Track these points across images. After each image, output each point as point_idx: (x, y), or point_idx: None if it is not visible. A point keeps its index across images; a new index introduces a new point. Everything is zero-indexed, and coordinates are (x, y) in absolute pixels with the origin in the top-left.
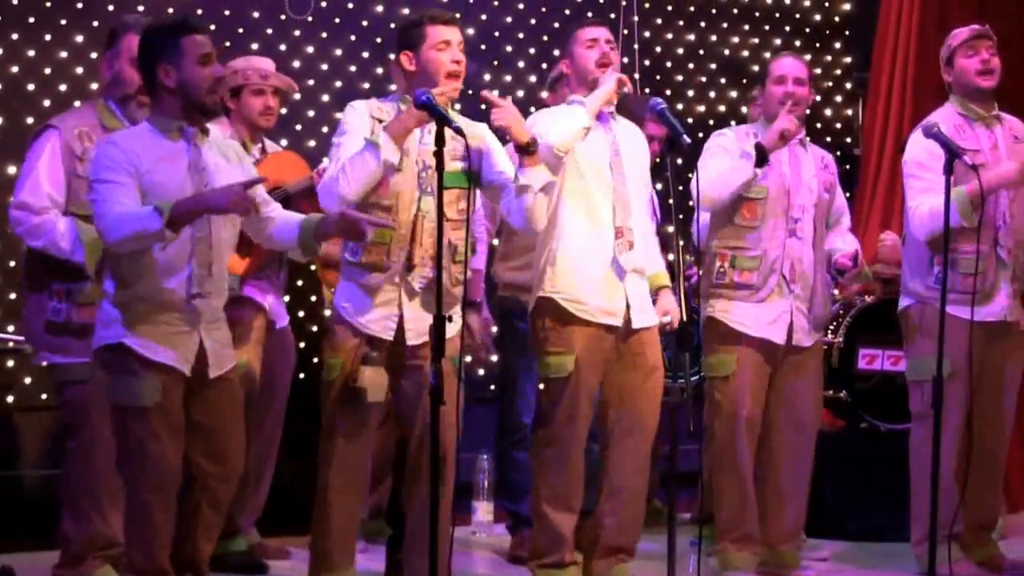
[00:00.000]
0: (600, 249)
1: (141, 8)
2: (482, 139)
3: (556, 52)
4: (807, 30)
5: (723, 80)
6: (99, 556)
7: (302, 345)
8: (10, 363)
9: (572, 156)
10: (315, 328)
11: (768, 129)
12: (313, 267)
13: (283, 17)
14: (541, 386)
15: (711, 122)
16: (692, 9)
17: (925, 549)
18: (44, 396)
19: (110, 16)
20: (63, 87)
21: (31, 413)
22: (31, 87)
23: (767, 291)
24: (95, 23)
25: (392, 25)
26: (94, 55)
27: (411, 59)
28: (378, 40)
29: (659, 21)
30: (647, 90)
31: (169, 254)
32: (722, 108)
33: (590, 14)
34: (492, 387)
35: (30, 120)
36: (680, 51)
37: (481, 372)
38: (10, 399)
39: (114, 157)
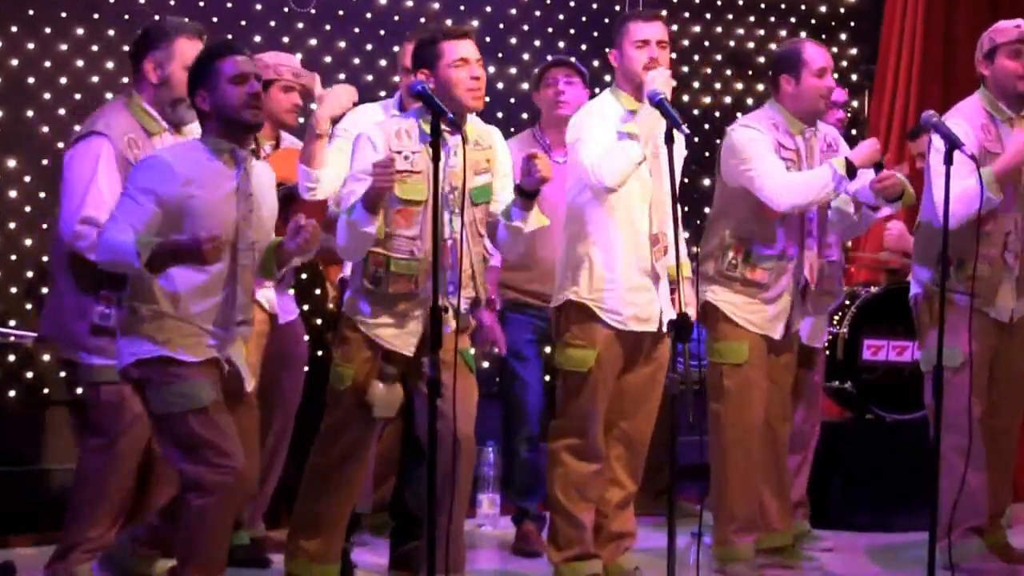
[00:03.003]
0: (639, 259)
1: (143, 1)
2: (492, 149)
3: (561, 44)
4: (812, 22)
5: (728, 72)
6: (86, 553)
7: (305, 339)
8: (11, 358)
9: None
10: (319, 321)
11: (861, 151)
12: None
13: (286, 10)
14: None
15: (717, 114)
16: (697, 1)
17: (953, 544)
18: (46, 391)
19: (111, 9)
20: (63, 80)
21: (34, 409)
22: (31, 80)
23: (776, 291)
24: (95, 15)
25: (396, 18)
26: (95, 48)
27: (428, 77)
28: (382, 32)
29: (664, 13)
30: None
31: (206, 280)
32: (728, 100)
33: (595, 6)
34: (497, 380)
35: (30, 113)
36: (685, 43)
37: (486, 365)
38: (12, 394)
39: (154, 179)
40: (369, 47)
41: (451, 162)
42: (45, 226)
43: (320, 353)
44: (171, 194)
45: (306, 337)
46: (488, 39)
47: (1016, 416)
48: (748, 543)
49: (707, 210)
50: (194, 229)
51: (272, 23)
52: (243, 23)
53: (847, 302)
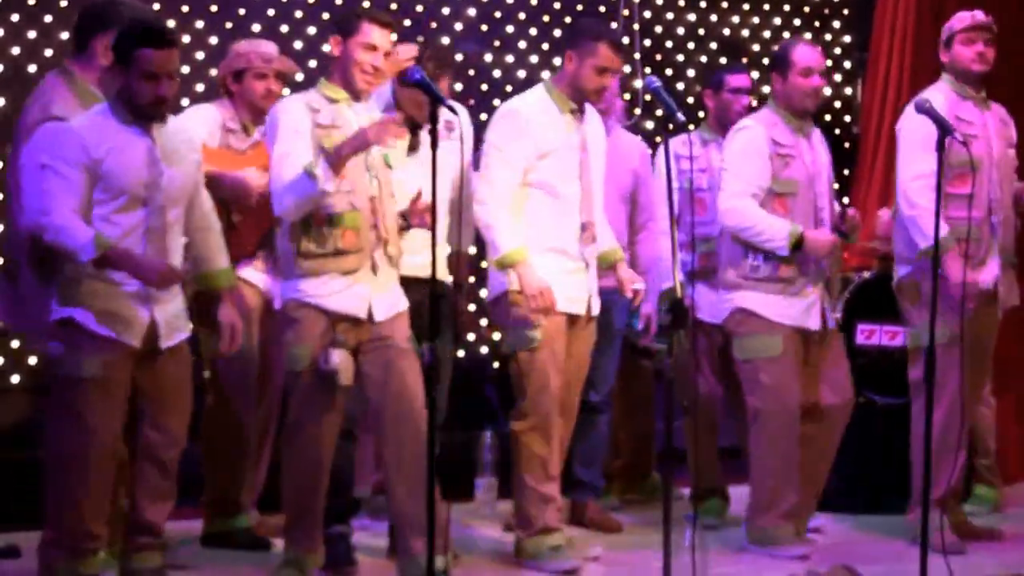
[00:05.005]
0: (568, 246)
1: None
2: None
3: (558, 32)
4: (806, 9)
5: (723, 60)
6: (84, 543)
7: None
8: (15, 344)
9: (542, 153)
10: None
11: (817, 239)
12: None
13: None
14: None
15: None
16: None
17: (917, 516)
18: None
19: None
20: None
21: (38, 395)
22: (32, 69)
23: (802, 283)
24: None
25: (393, 7)
26: None
27: (337, 44)
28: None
29: (660, 1)
30: (648, 70)
31: (123, 239)
32: None
33: None
34: (495, 365)
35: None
36: (680, 31)
37: (485, 351)
38: (16, 379)
39: (66, 146)
40: None
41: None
42: None
43: None
44: (90, 161)
45: None
46: (485, 27)
47: (978, 393)
48: (789, 528)
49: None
50: (106, 190)
51: (271, 11)
52: (241, 12)
53: (840, 287)
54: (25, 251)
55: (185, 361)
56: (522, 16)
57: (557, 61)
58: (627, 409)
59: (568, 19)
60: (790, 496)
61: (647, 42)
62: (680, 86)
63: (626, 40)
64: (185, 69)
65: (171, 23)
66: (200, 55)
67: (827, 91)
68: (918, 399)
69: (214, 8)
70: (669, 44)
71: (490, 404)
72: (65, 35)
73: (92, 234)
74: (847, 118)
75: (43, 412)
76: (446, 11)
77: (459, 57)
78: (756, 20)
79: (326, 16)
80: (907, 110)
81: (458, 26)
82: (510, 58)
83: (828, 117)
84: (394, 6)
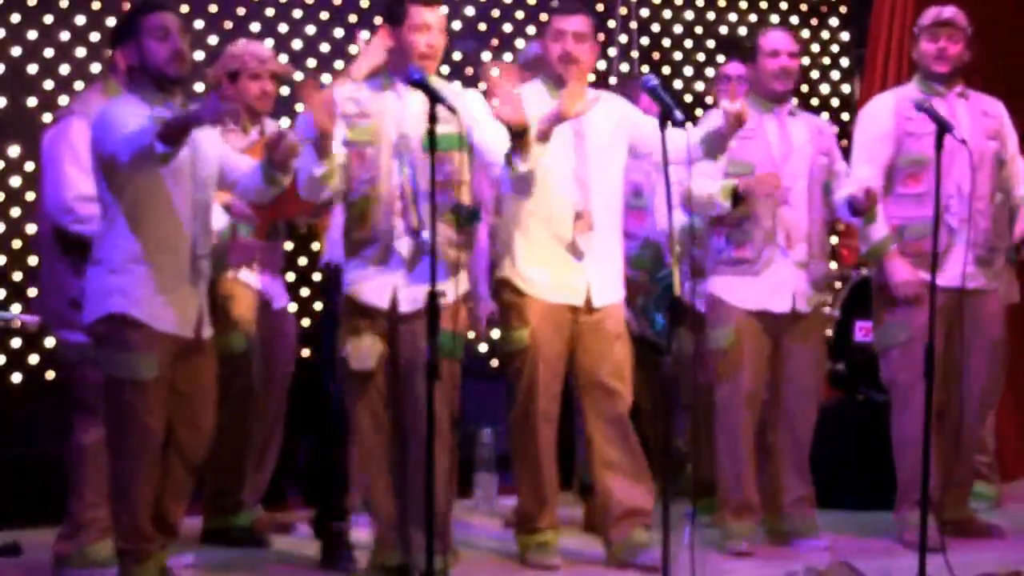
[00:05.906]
0: (558, 233)
1: None
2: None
3: None
4: (804, 7)
5: (721, 58)
6: (98, 532)
7: (307, 323)
8: (17, 342)
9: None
10: (318, 306)
11: (750, 182)
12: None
13: None
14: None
15: (709, 100)
16: None
17: (901, 515)
18: (52, 375)
19: None
20: (64, 69)
21: (38, 393)
22: (32, 69)
23: (763, 262)
24: (96, 5)
25: None
26: (95, 36)
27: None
28: (377, 21)
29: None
30: (645, 67)
31: (174, 216)
32: None
33: None
34: (494, 362)
35: (32, 102)
36: (678, 29)
37: (484, 347)
38: (17, 379)
39: (121, 109)
40: (366, 35)
41: (407, 111)
42: None
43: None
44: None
45: (307, 321)
46: (483, 26)
47: (971, 390)
48: (745, 523)
49: None
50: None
51: (269, 11)
52: (241, 11)
53: (839, 284)
54: (49, 241)
55: (213, 357)
56: (520, 15)
57: None
58: (652, 406)
59: None
60: (740, 492)
61: (644, 40)
62: (678, 84)
63: (624, 38)
64: None
65: None
66: (200, 55)
67: (825, 88)
68: (894, 400)
69: (214, 8)
70: (666, 42)
71: (488, 401)
72: (65, 35)
73: (146, 123)
74: (845, 115)
75: (39, 410)
76: (444, 9)
77: (457, 56)
78: (753, 18)
79: (325, 16)
80: (865, 107)
81: (456, 24)
82: (508, 57)
83: (826, 115)
84: None
